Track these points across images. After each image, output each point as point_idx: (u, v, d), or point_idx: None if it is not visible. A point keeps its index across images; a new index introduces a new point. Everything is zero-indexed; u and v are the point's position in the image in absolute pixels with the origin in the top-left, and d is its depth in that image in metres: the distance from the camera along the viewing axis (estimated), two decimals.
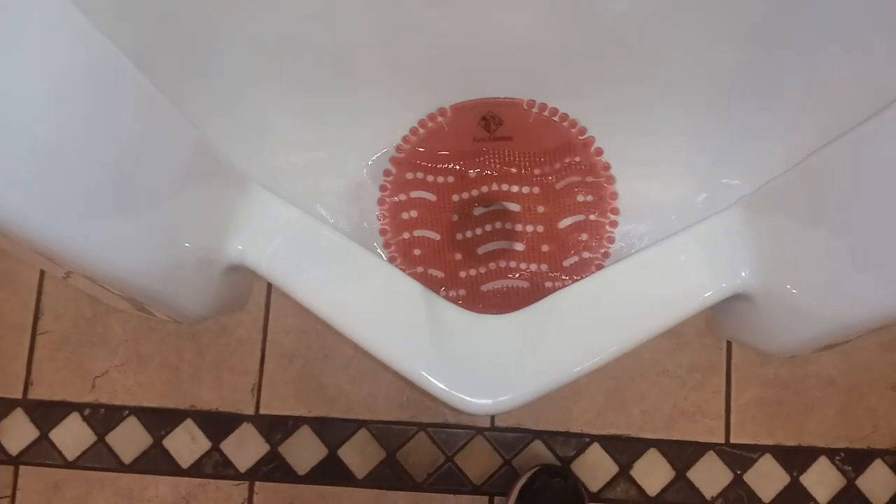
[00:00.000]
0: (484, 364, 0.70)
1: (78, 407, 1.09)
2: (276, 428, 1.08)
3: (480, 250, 0.88)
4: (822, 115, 0.69)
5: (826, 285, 0.61)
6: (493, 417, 1.07)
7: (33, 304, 1.11)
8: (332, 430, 1.07)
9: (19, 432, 1.09)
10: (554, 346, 0.70)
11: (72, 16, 0.46)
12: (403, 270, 0.73)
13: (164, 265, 0.61)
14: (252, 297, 1.09)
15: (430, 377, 0.68)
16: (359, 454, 1.07)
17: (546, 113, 0.89)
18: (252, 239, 0.71)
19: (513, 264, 0.87)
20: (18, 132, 0.43)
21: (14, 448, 1.09)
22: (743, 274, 0.70)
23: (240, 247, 0.70)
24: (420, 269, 0.86)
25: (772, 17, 0.71)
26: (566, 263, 0.87)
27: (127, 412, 1.09)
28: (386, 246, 0.88)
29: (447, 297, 0.75)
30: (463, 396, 0.68)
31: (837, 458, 1.04)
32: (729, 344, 1.06)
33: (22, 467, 1.09)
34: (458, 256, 0.87)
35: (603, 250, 0.86)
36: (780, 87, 0.77)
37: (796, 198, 0.65)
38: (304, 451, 1.07)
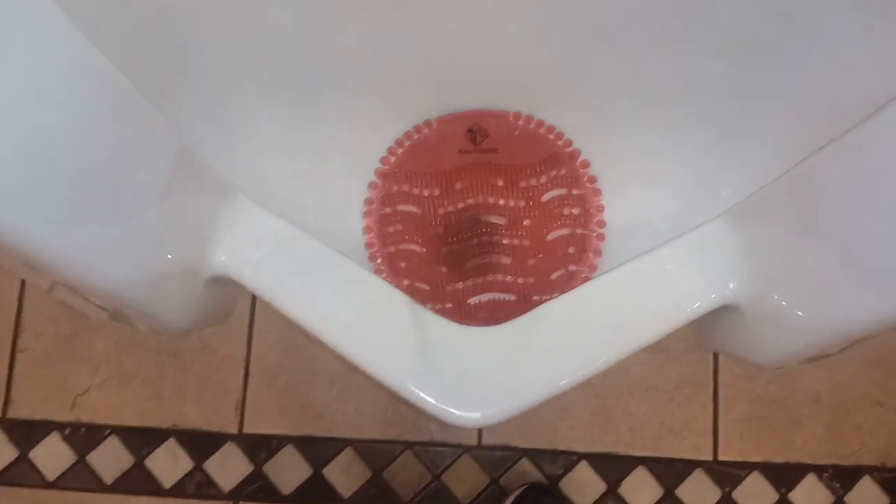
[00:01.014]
0: (472, 376, 0.69)
1: (58, 426, 1.07)
2: (260, 447, 1.06)
3: (467, 263, 0.87)
4: (811, 123, 0.69)
5: (814, 295, 0.61)
6: (480, 435, 1.06)
7: (13, 321, 1.10)
8: (318, 449, 1.06)
9: None
10: (542, 358, 0.70)
11: (53, 18, 0.46)
12: (390, 283, 0.73)
13: (146, 275, 0.60)
14: (236, 312, 1.08)
15: (418, 391, 0.67)
16: (344, 473, 1.06)
17: (532, 125, 0.89)
18: (236, 250, 0.70)
19: (499, 277, 0.86)
20: None
21: None
22: (731, 285, 0.70)
23: (223, 258, 0.69)
24: (406, 283, 0.85)
25: (758, 25, 0.71)
26: (553, 276, 0.86)
27: (108, 431, 1.07)
28: (371, 259, 0.87)
29: (434, 311, 0.74)
30: (451, 410, 0.67)
31: (826, 474, 1.04)
32: (716, 360, 1.06)
33: (0, 488, 1.06)
34: (445, 269, 0.87)
35: (590, 263, 0.86)
36: (768, 96, 0.77)
37: (784, 207, 0.64)
38: (288, 470, 1.06)
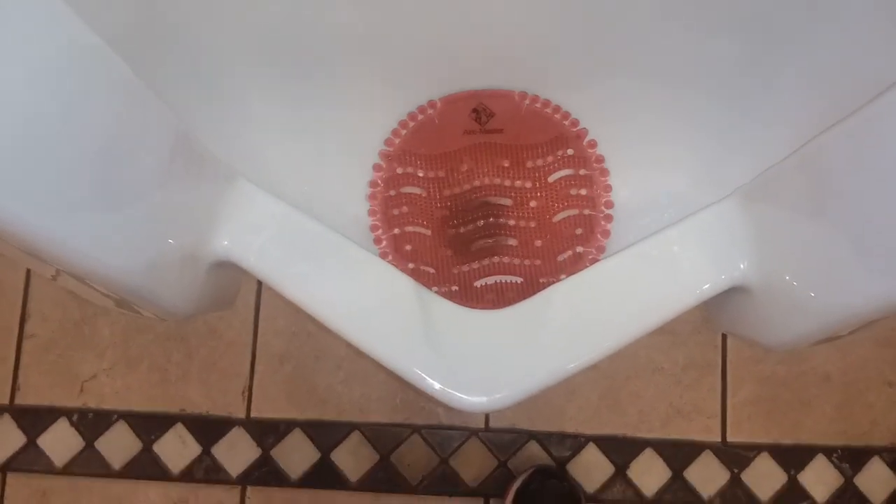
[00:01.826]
0: (478, 360, 0.69)
1: (66, 412, 1.07)
2: (267, 432, 1.06)
3: (473, 246, 0.86)
4: (820, 103, 0.68)
5: (826, 276, 0.60)
6: (487, 418, 1.05)
7: (19, 307, 1.10)
8: (325, 433, 1.06)
9: (6, 439, 1.07)
10: (549, 341, 0.69)
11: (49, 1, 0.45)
12: (395, 266, 0.72)
13: (147, 261, 0.59)
14: (241, 298, 1.07)
15: (424, 375, 0.67)
16: (352, 457, 1.05)
17: (538, 105, 0.88)
18: (239, 234, 0.69)
19: (506, 260, 0.85)
20: None
21: (1, 455, 1.07)
22: (741, 266, 0.69)
23: (226, 242, 0.69)
24: (412, 266, 0.85)
25: (764, 6, 0.70)
26: (560, 258, 0.85)
27: (116, 417, 1.07)
28: (377, 242, 0.86)
29: (440, 294, 0.73)
30: (458, 394, 0.67)
31: (835, 455, 1.03)
32: (724, 341, 1.05)
33: (9, 474, 1.07)
34: (450, 252, 0.86)
35: (597, 244, 0.85)
36: (777, 75, 0.76)
37: (794, 186, 0.64)
38: (296, 454, 1.06)
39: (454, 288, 0.84)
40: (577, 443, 1.04)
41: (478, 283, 0.85)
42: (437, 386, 0.67)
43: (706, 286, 0.69)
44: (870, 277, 0.56)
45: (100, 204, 0.53)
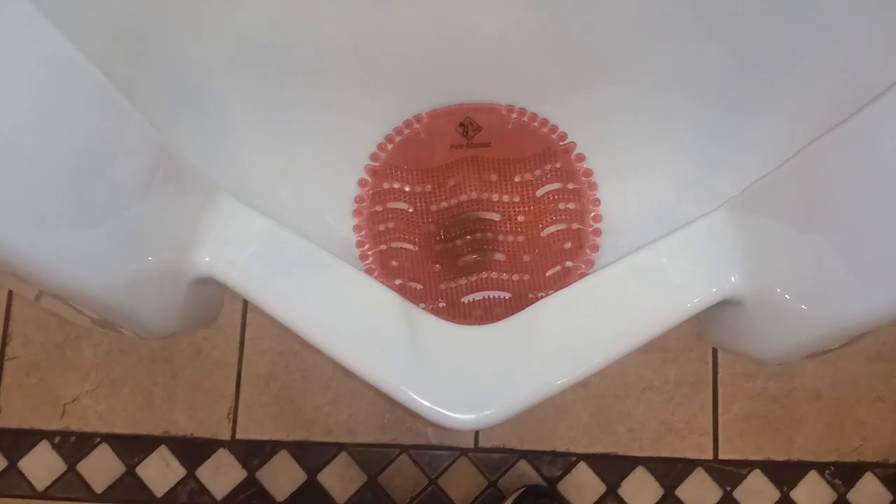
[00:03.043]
0: (466, 377, 0.67)
1: (48, 435, 1.05)
2: (253, 453, 1.04)
3: (460, 261, 0.85)
4: (809, 114, 0.67)
5: (817, 288, 0.59)
6: (476, 438, 1.04)
7: (0, 329, 1.08)
8: (312, 455, 1.04)
9: None
10: (538, 357, 0.68)
11: (20, 7, 0.44)
12: (381, 283, 0.71)
13: (124, 278, 0.58)
14: (227, 317, 1.06)
15: (411, 393, 0.66)
16: (339, 479, 1.04)
17: (525, 118, 0.88)
18: (221, 250, 0.68)
19: (494, 275, 0.85)
20: None
21: None
22: (732, 279, 0.68)
23: (207, 258, 0.67)
24: (398, 282, 0.84)
25: (755, 12, 0.70)
26: (549, 273, 0.84)
27: (98, 439, 1.05)
28: (362, 258, 0.85)
29: (427, 310, 0.72)
30: (446, 412, 0.65)
31: (827, 472, 1.02)
32: (715, 358, 1.04)
33: None
34: (438, 267, 0.85)
35: (586, 258, 0.84)
36: (766, 86, 0.75)
37: (784, 197, 0.63)
38: (282, 476, 1.04)
39: (441, 304, 0.83)
40: (568, 462, 1.03)
41: (465, 299, 0.84)
42: (424, 404, 0.65)
43: (697, 299, 0.68)
44: (861, 289, 0.55)
45: (74, 219, 0.52)
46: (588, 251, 0.84)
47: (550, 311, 0.70)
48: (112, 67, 0.55)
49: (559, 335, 0.69)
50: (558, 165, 0.87)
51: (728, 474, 1.02)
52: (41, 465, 1.05)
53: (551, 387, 0.67)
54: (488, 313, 0.82)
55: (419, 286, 0.84)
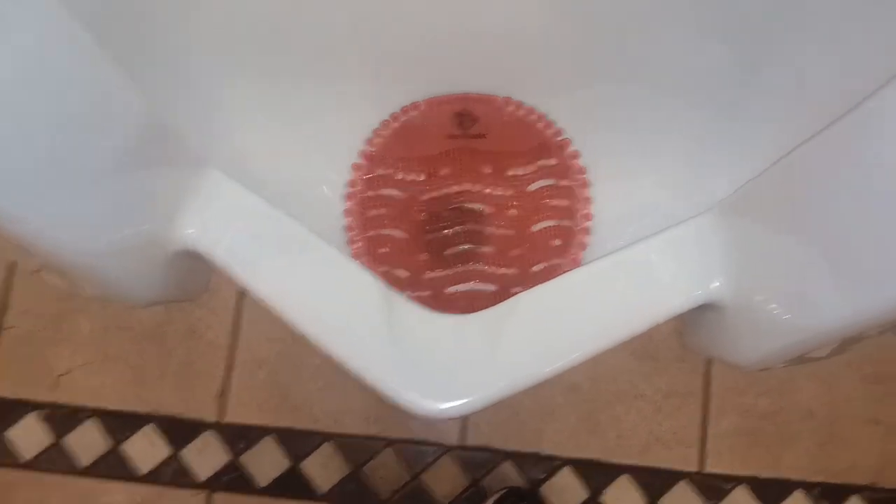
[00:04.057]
0: (440, 365, 0.67)
1: (38, 406, 1.06)
2: (239, 437, 1.05)
3: (448, 251, 0.85)
4: (800, 118, 0.66)
5: (798, 293, 0.59)
6: (463, 435, 1.04)
7: (0, 298, 1.09)
8: (297, 442, 1.04)
9: None
10: (513, 349, 0.68)
11: None
12: (366, 268, 0.71)
13: (108, 244, 0.58)
14: (223, 300, 1.06)
15: (381, 376, 0.65)
16: (323, 468, 1.04)
17: (522, 111, 0.88)
18: (205, 224, 0.68)
19: (480, 267, 0.84)
20: None
21: None
22: (716, 283, 0.68)
23: (191, 231, 0.68)
24: (385, 269, 0.84)
25: (753, 14, 0.69)
26: (535, 269, 0.84)
27: (87, 413, 1.06)
28: (350, 242, 0.85)
29: (411, 298, 0.72)
30: (416, 398, 0.65)
31: (814, 492, 1.01)
32: (708, 370, 1.03)
33: None
34: (425, 257, 0.85)
35: (573, 257, 0.84)
36: (760, 89, 0.75)
37: (769, 201, 0.63)
38: (266, 462, 1.04)
39: (426, 293, 0.83)
40: (552, 465, 1.03)
41: (450, 290, 0.84)
42: (394, 388, 0.65)
43: (679, 301, 0.68)
44: (840, 294, 0.54)
45: (58, 182, 0.52)
46: (576, 249, 0.84)
47: (530, 304, 0.69)
48: (107, 33, 0.55)
49: (537, 328, 0.68)
50: (552, 162, 0.87)
51: (713, 488, 1.01)
52: (29, 436, 1.05)
53: (524, 380, 0.67)
54: (471, 305, 0.82)
55: (405, 274, 0.84)
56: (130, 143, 0.58)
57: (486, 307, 0.71)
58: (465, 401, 0.66)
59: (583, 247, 0.84)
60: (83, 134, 0.53)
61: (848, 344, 0.63)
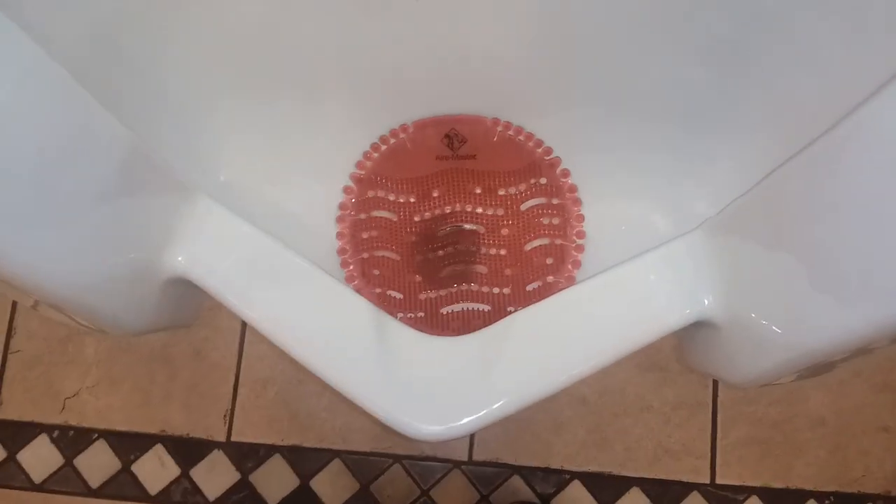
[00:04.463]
0: (435, 388, 0.67)
1: (47, 428, 1.07)
2: (247, 456, 1.05)
3: (442, 272, 0.85)
4: (785, 137, 0.66)
5: (789, 311, 0.58)
6: (471, 451, 1.03)
7: (6, 322, 1.10)
8: (305, 460, 1.04)
9: None
10: (510, 368, 0.67)
11: None
12: (361, 291, 0.71)
13: (95, 276, 0.59)
14: (227, 321, 1.07)
15: (374, 400, 0.65)
16: (331, 485, 1.04)
17: (511, 132, 0.88)
18: (195, 251, 0.68)
19: (474, 287, 0.84)
20: None
21: None
22: (706, 301, 0.67)
23: (181, 258, 0.68)
24: (378, 290, 0.83)
25: (736, 35, 0.69)
26: (529, 287, 0.84)
27: (96, 435, 1.06)
28: (343, 265, 0.85)
29: (405, 320, 0.72)
30: (410, 421, 0.65)
31: (827, 501, 0.99)
32: (715, 381, 1.02)
33: None
34: (418, 278, 0.85)
35: (568, 274, 0.83)
36: (745, 108, 0.74)
37: (756, 218, 0.62)
38: (275, 480, 1.04)
39: (420, 314, 0.83)
40: (562, 479, 1.02)
41: (444, 310, 0.83)
42: (389, 412, 0.65)
43: (672, 318, 0.67)
44: (830, 311, 0.54)
45: (40, 216, 0.52)
46: (570, 267, 0.83)
47: (525, 323, 0.69)
48: (89, 68, 0.56)
49: (530, 348, 0.68)
50: (543, 181, 0.87)
51: (724, 499, 1.00)
52: (39, 458, 1.06)
53: (522, 399, 0.66)
54: (466, 325, 0.81)
55: (399, 295, 0.84)
56: (114, 173, 0.58)
57: (481, 327, 0.71)
58: (460, 423, 0.66)
59: (577, 265, 0.84)
60: (64, 167, 0.53)
61: (848, 359, 0.62)
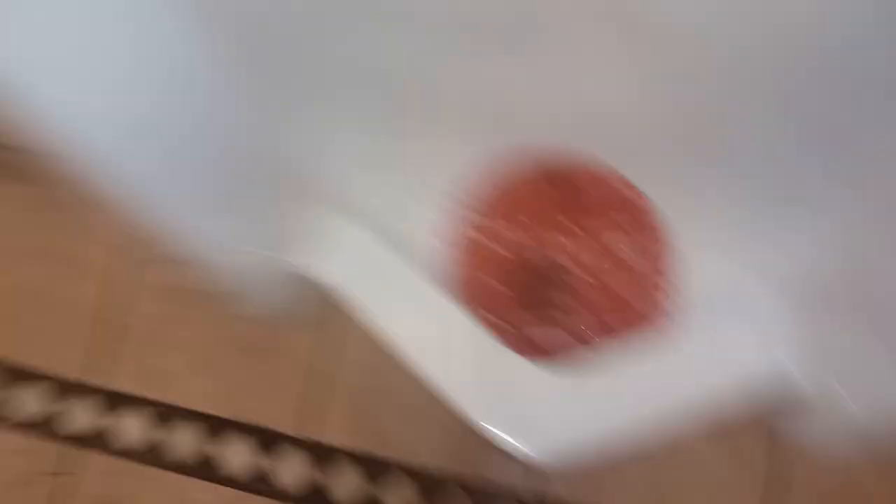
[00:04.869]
0: (533, 413, 0.72)
1: (146, 403, 1.15)
2: (325, 457, 1.10)
3: (539, 301, 0.92)
4: (879, 207, 0.69)
5: (870, 383, 0.62)
6: (537, 483, 1.05)
7: (102, 294, 1.19)
8: (377, 469, 1.09)
9: (85, 416, 1.15)
10: (615, 408, 0.72)
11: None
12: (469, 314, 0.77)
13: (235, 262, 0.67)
14: (324, 322, 1.13)
15: (489, 424, 0.70)
16: (396, 497, 1.07)
17: (614, 175, 0.95)
18: (320, 255, 0.77)
19: (570, 320, 0.91)
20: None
21: (78, 430, 1.15)
22: (791, 368, 0.71)
23: (307, 260, 0.76)
24: (479, 312, 0.90)
25: (840, 119, 0.73)
26: (622, 329, 0.90)
27: (188, 415, 1.13)
28: (446, 285, 0.92)
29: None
30: (509, 439, 0.70)
31: None
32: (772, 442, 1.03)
33: (85, 451, 1.14)
34: (519, 309, 0.92)
35: (659, 321, 0.89)
36: (845, 184, 0.76)
37: (841, 293, 0.66)
38: (347, 484, 1.09)
39: (518, 340, 0.90)
40: None
41: (542, 338, 0.90)
42: (491, 429, 0.70)
43: (756, 383, 0.71)
44: None
45: (223, 202, 0.60)
46: (661, 314, 0.90)
47: (628, 367, 0.74)
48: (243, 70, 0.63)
49: (634, 392, 0.73)
50: (639, 225, 0.93)
51: None
52: (133, 430, 1.14)
53: (629, 439, 0.71)
54: (561, 355, 0.87)
55: (497, 320, 0.91)
56: (263, 172, 0.67)
57: (575, 360, 0.77)
58: (568, 451, 0.71)
59: (668, 313, 0.89)
60: (236, 157, 0.61)
61: None
